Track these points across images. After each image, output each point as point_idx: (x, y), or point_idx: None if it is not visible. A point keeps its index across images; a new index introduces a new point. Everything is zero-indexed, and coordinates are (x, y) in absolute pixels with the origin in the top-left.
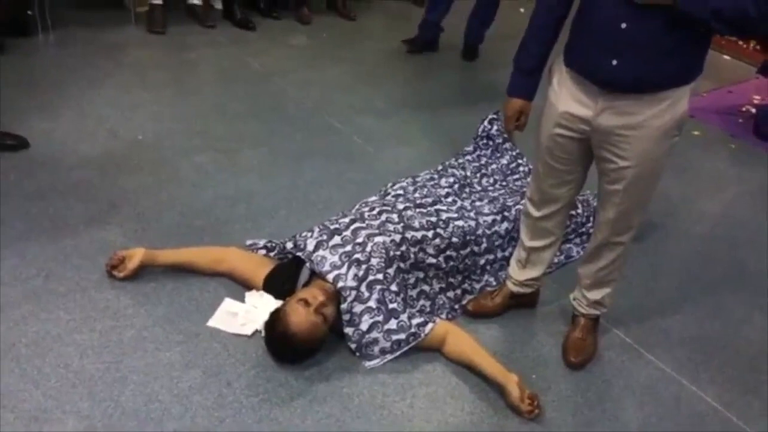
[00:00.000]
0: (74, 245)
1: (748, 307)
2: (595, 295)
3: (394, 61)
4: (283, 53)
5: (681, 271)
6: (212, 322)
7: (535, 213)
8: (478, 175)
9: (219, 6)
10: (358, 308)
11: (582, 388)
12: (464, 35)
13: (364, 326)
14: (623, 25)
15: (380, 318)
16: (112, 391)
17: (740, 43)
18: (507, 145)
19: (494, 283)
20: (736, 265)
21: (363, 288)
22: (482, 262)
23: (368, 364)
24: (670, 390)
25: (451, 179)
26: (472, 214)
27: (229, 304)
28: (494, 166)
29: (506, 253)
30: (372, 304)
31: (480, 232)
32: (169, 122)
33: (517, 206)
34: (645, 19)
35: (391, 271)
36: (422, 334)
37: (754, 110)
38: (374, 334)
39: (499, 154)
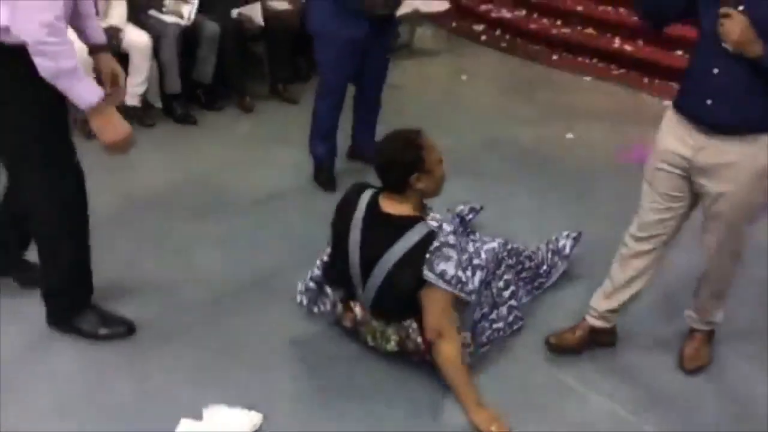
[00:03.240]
0: None
1: None
2: (708, 314)
3: None
4: (228, 144)
5: None
6: None
7: (634, 245)
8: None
9: (158, 104)
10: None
11: None
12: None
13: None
14: (715, 70)
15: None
16: None
17: (677, 87)
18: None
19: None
20: None
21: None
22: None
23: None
24: None
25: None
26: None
27: (185, 425)
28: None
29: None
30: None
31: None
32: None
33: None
34: (734, 65)
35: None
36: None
37: None
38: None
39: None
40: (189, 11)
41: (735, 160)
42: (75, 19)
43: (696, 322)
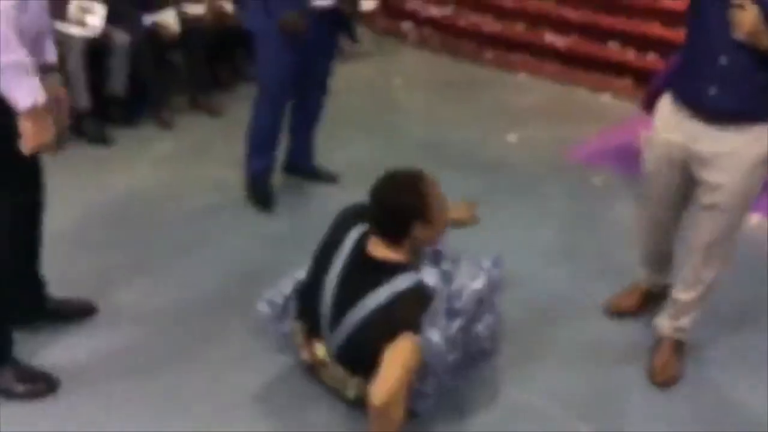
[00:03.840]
0: None
1: None
2: (682, 321)
3: None
4: (147, 164)
5: None
6: None
7: (648, 213)
8: None
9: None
10: None
11: None
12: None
13: None
14: (722, 59)
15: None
16: None
17: (614, 80)
18: None
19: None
20: None
21: None
22: None
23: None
24: None
25: None
26: None
27: None
28: None
29: None
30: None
31: None
32: None
33: None
34: (742, 55)
35: None
36: None
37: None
38: None
39: None
40: (94, 21)
41: (733, 149)
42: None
43: (666, 329)
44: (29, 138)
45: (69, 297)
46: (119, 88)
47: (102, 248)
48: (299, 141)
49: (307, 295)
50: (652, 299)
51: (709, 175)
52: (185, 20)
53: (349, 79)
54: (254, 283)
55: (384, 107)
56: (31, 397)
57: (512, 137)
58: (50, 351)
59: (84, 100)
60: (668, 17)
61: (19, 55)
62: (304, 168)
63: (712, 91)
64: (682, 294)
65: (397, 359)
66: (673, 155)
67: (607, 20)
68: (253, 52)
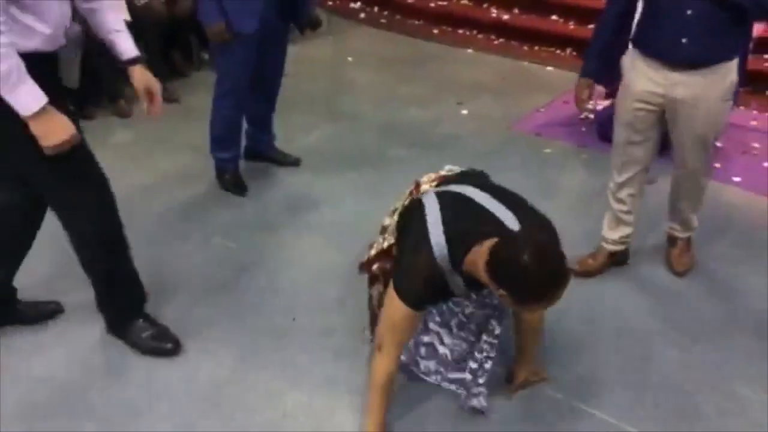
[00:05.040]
0: None
1: None
2: (689, 222)
3: None
4: (106, 156)
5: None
6: None
7: (617, 179)
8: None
9: None
10: None
11: None
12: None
13: None
14: (689, 12)
15: None
16: None
17: (557, 51)
18: None
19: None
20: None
21: None
22: None
23: None
24: None
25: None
26: None
27: None
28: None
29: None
30: None
31: None
32: None
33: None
34: (707, 6)
35: None
36: None
37: (592, 116)
38: None
39: None
40: None
41: (705, 87)
42: (104, 33)
43: (678, 231)
44: (42, 140)
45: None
46: (73, 80)
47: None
48: (259, 127)
49: None
50: (614, 262)
51: (685, 111)
52: (136, 7)
53: (302, 61)
54: (237, 265)
55: (339, 88)
56: (157, 354)
57: (464, 112)
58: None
59: None
60: None
61: (8, 64)
62: (266, 154)
63: (684, 40)
64: (679, 205)
65: (391, 304)
66: (652, 102)
67: None
68: (205, 39)
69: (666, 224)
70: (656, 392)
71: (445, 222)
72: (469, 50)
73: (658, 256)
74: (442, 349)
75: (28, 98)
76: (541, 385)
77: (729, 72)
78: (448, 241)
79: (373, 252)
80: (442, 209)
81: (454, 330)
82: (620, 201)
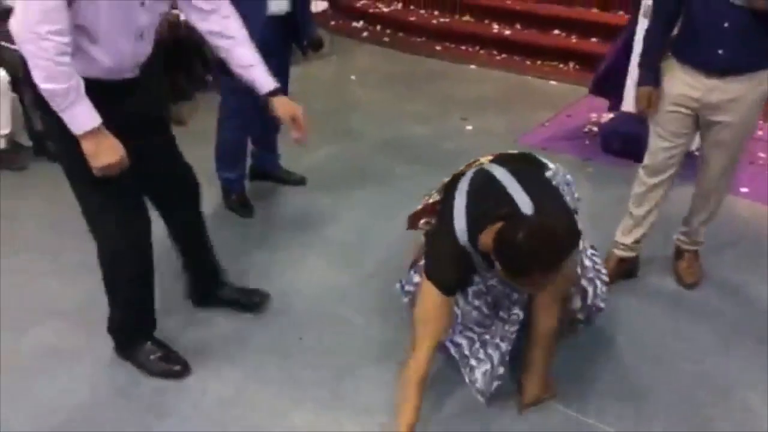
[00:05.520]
0: None
1: None
2: (697, 237)
3: None
4: None
5: None
6: None
7: (648, 181)
8: None
9: (28, 144)
10: None
11: None
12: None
13: None
14: (725, 24)
15: None
16: None
17: (560, 65)
18: None
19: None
20: None
21: None
22: None
23: None
24: None
25: None
26: None
27: None
28: None
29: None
30: None
31: None
32: None
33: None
34: (743, 18)
35: None
36: None
37: (596, 129)
38: None
39: None
40: None
41: (740, 94)
42: (241, 70)
43: (686, 244)
44: (92, 160)
45: None
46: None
47: (85, 274)
48: (264, 147)
49: None
50: (624, 272)
51: (719, 117)
52: None
53: (306, 80)
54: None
55: (343, 107)
56: (165, 376)
57: (468, 127)
58: None
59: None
60: (605, 2)
61: (60, 83)
62: (272, 173)
63: (720, 51)
64: (695, 219)
65: (425, 293)
66: (688, 105)
67: (548, 8)
68: (209, 61)
69: (675, 234)
70: (668, 406)
71: (469, 203)
72: (472, 66)
73: (668, 269)
74: (455, 310)
75: (82, 117)
76: (552, 400)
77: (763, 81)
78: (469, 221)
79: (420, 207)
80: (470, 189)
81: (470, 297)
82: (642, 205)
